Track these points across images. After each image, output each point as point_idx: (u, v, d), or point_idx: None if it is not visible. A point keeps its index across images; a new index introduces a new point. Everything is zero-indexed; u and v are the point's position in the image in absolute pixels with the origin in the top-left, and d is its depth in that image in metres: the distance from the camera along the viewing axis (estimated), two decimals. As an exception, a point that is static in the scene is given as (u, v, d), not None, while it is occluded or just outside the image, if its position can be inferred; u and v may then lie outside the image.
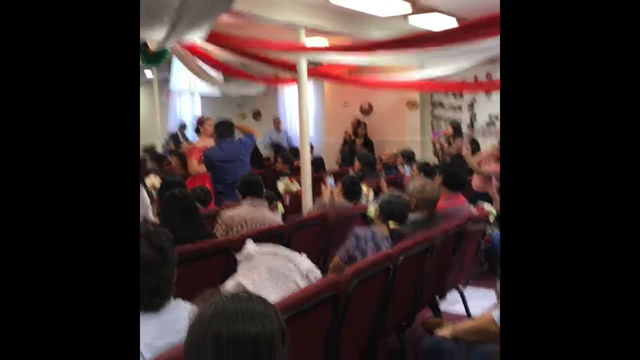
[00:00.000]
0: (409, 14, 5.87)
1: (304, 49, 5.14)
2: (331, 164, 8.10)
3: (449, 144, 6.51)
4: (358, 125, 8.72)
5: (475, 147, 6.22)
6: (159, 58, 5.22)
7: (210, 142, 5.16)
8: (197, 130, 5.52)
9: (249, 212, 3.33)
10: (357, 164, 6.26)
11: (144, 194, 3.90)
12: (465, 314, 3.47)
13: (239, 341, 0.98)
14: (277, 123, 10.03)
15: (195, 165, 5.12)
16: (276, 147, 8.62)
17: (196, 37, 4.32)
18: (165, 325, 1.48)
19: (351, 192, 4.11)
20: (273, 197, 4.03)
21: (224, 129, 4.87)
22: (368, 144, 8.57)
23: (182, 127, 10.92)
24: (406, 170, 5.44)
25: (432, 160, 6.66)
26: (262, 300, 1.07)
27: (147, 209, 3.89)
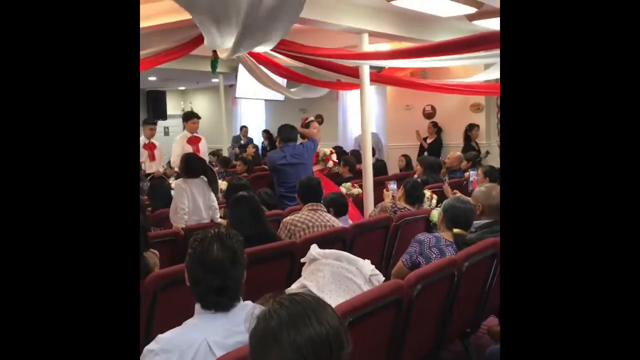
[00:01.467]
0: (475, 18, 5.76)
1: (366, 56, 5.15)
2: (394, 168, 8.05)
3: None
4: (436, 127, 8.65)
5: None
6: (213, 66, 5.39)
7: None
8: (302, 134, 5.48)
9: (310, 217, 3.38)
10: (418, 167, 6.19)
11: (212, 196, 4.02)
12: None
13: (315, 344, 1.00)
14: None
15: None
16: (338, 151, 8.67)
17: (265, 48, 4.43)
18: (234, 325, 1.53)
19: (413, 195, 4.08)
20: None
21: (286, 133, 4.96)
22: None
23: (243, 128, 11.25)
24: (471, 174, 5.33)
25: (498, 164, 6.50)
26: (316, 299, 1.09)
27: (215, 211, 4.02)
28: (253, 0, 2.79)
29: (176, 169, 5.89)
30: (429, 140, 8.62)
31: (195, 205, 3.87)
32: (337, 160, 5.49)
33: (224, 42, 3.80)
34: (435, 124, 8.63)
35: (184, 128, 6.34)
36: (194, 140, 6.07)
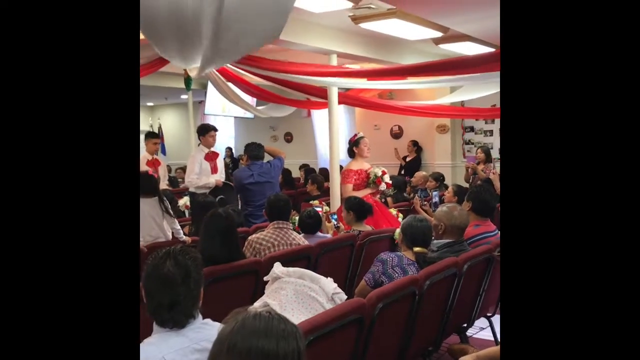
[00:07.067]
0: (441, 42, 5.91)
1: (335, 73, 5.22)
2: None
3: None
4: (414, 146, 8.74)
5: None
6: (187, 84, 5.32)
7: (365, 165, 4.86)
8: (351, 152, 4.93)
9: (275, 235, 3.39)
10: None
11: (172, 219, 3.89)
12: (493, 340, 3.43)
13: (250, 356, 1.02)
14: None
15: (350, 190, 4.67)
16: (306, 169, 8.70)
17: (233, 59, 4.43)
18: (192, 343, 1.53)
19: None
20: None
21: (253, 151, 4.96)
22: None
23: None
24: (434, 195, 5.42)
25: (463, 185, 6.62)
26: (283, 321, 1.10)
27: (178, 232, 3.92)
28: (219, 26, 2.79)
29: (192, 189, 5.34)
30: (408, 159, 8.75)
31: (147, 224, 3.71)
32: (390, 182, 4.77)
33: (190, 63, 3.80)
34: (415, 143, 8.78)
35: (199, 143, 5.59)
36: (211, 157, 5.41)
